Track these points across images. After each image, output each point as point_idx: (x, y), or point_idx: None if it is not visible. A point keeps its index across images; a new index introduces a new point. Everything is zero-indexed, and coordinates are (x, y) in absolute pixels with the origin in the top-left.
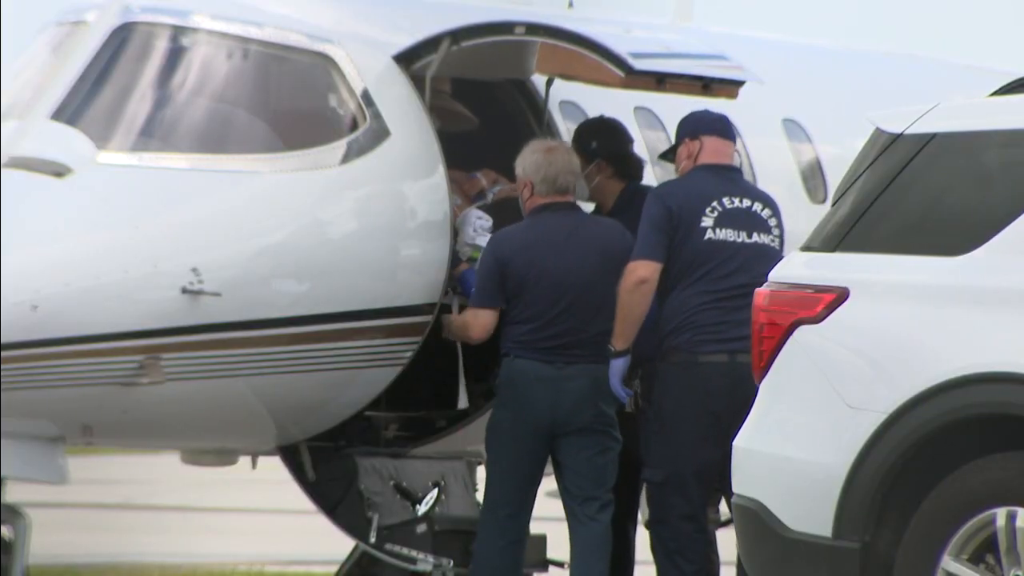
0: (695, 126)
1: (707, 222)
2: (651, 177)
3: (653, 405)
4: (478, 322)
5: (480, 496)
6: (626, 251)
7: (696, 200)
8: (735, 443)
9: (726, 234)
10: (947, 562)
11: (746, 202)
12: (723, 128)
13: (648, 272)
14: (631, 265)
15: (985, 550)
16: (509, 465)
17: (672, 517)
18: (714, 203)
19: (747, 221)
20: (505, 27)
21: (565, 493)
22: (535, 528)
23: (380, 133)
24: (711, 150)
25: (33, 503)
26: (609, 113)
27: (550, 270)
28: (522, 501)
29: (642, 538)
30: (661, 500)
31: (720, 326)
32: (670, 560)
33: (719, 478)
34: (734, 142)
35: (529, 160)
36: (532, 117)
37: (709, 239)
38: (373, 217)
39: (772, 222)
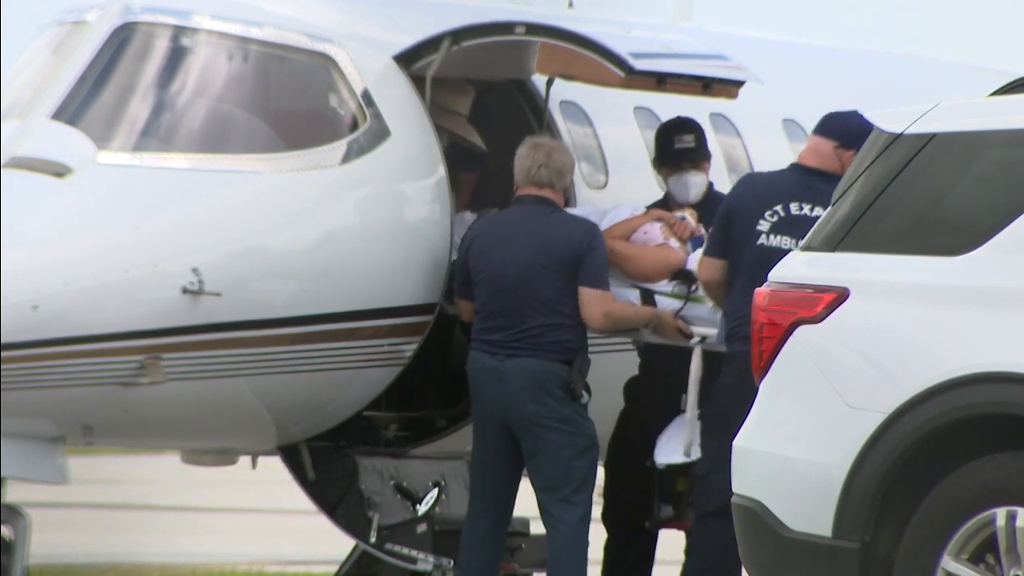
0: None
1: (763, 227)
2: (652, 178)
3: (711, 401)
4: (461, 312)
5: None
6: (570, 251)
7: (760, 200)
8: (735, 443)
9: (781, 241)
10: (947, 562)
11: (817, 211)
12: (822, 125)
13: (707, 272)
14: (700, 260)
15: (985, 550)
16: (474, 459)
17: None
18: (777, 207)
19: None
20: (505, 27)
21: (536, 495)
22: (536, 528)
23: (380, 133)
24: (806, 149)
25: (33, 503)
26: (608, 113)
27: (492, 261)
28: (488, 497)
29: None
30: (704, 494)
31: None
32: (727, 551)
33: None
34: (836, 140)
35: (517, 153)
36: (532, 117)
37: (761, 245)
38: (373, 217)
39: None
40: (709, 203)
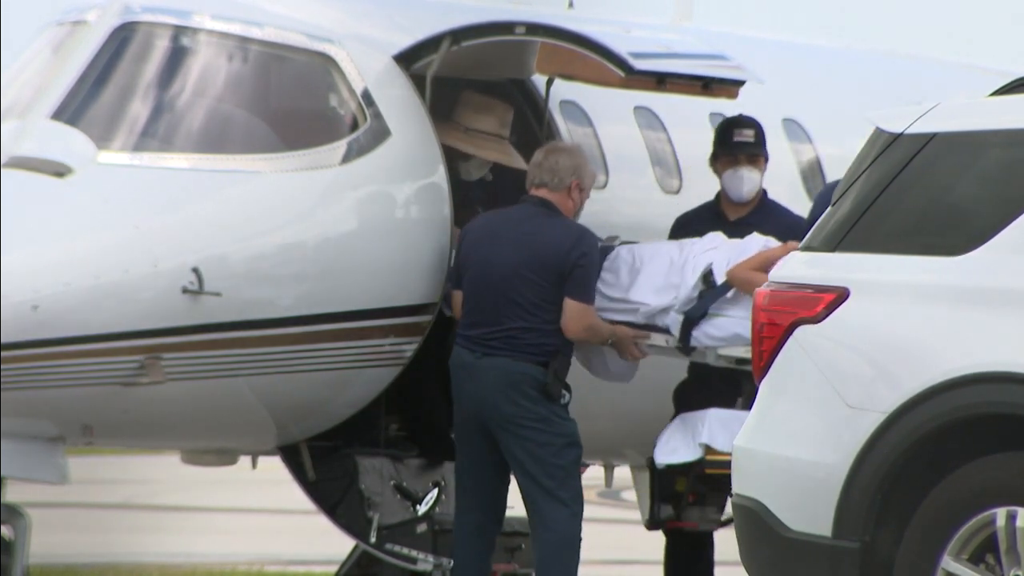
0: None
1: None
2: (652, 178)
3: None
4: (453, 303)
5: None
6: (558, 260)
7: None
8: (735, 442)
9: None
10: (947, 562)
11: None
12: None
13: None
14: None
15: (985, 550)
16: (456, 456)
17: None
18: None
19: None
20: (505, 27)
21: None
22: None
23: (380, 133)
24: None
25: (33, 503)
26: (609, 113)
27: (480, 259)
28: (470, 494)
29: (644, 539)
30: None
31: None
32: None
33: None
34: None
35: None
36: (532, 117)
37: None
38: (373, 217)
39: None
40: (761, 208)
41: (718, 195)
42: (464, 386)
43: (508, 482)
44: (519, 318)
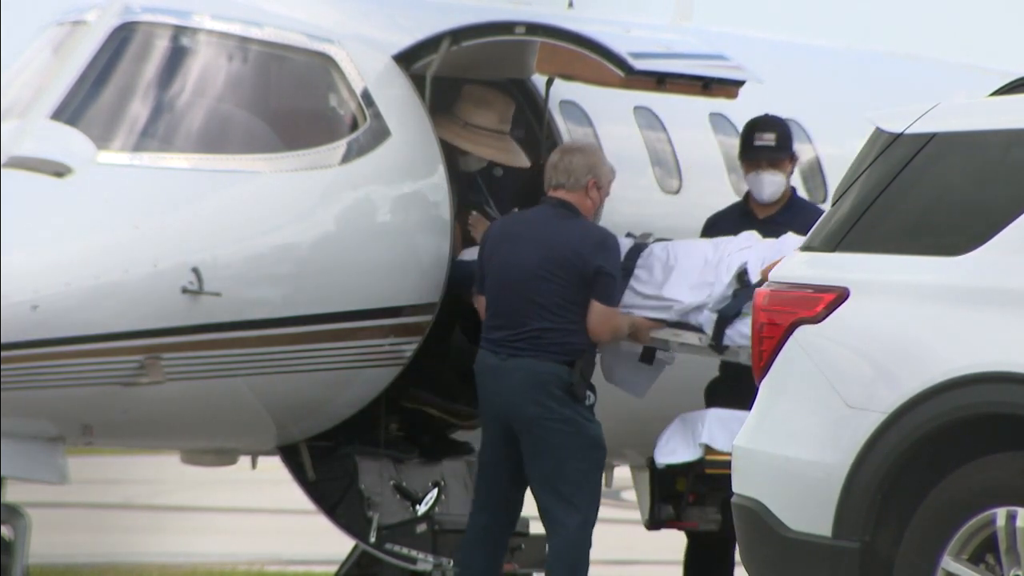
0: None
1: None
2: (651, 178)
3: None
4: (478, 307)
5: None
6: (579, 263)
7: None
8: (735, 442)
9: None
10: (947, 562)
11: None
12: None
13: None
14: None
15: (985, 550)
16: (479, 457)
17: None
18: None
19: None
20: (505, 27)
21: (535, 498)
22: (536, 528)
23: (380, 133)
24: None
25: (33, 503)
26: (609, 113)
27: (501, 262)
28: (486, 496)
29: (644, 539)
30: None
31: None
32: None
33: None
34: None
35: None
36: (532, 117)
37: None
38: (373, 217)
39: None
40: (790, 207)
41: (747, 194)
42: (489, 388)
43: (524, 488)
44: (542, 319)
